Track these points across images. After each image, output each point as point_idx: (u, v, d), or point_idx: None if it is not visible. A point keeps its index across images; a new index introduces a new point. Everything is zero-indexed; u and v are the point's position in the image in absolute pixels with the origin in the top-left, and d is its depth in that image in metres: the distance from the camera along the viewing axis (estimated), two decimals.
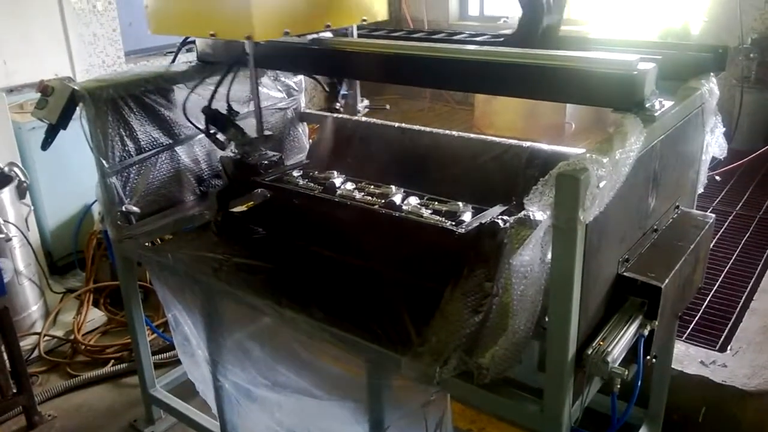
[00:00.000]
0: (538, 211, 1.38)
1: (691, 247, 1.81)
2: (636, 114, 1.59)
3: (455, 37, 2.31)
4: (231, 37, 2.13)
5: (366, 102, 2.72)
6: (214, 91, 2.49)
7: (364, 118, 2.87)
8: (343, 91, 2.42)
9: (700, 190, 2.18)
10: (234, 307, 2.29)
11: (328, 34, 2.31)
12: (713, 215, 2.01)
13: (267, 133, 2.51)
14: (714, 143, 2.09)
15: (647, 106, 1.63)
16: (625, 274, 1.66)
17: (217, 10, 2.03)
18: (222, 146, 2.52)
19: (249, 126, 2.92)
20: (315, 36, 2.24)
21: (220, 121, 2.50)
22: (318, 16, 2.07)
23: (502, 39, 2.08)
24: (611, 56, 1.74)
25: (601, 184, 1.35)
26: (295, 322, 1.98)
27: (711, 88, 1.92)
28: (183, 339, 2.53)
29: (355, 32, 2.35)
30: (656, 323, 1.63)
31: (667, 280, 1.63)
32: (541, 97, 2.02)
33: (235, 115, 2.52)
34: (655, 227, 1.84)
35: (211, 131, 2.50)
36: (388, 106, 2.63)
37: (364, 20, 2.20)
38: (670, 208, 1.94)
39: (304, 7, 2.01)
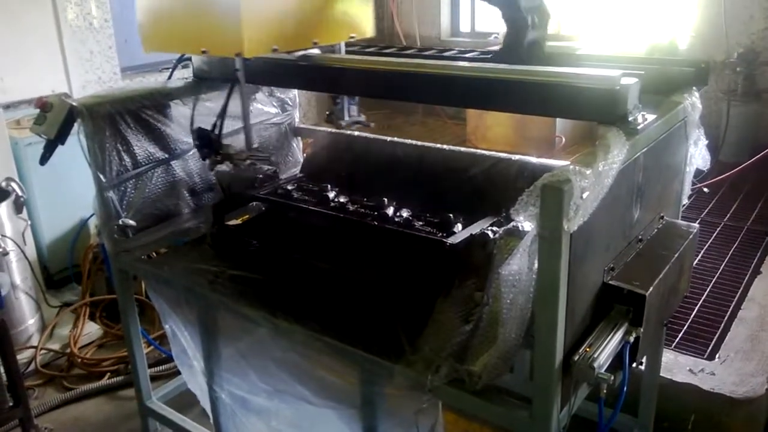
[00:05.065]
0: (525, 221, 1.43)
1: (676, 256, 1.85)
2: (619, 127, 1.63)
3: (445, 54, 2.37)
4: (222, 54, 2.22)
5: None
6: (193, 110, 2.55)
7: (357, 133, 2.91)
8: None
9: (685, 201, 2.23)
10: (230, 318, 2.31)
11: (317, 51, 2.35)
12: (697, 225, 2.06)
13: (255, 145, 2.52)
14: (698, 155, 2.14)
15: (630, 119, 1.67)
16: (610, 282, 1.70)
17: (209, 28, 2.08)
18: (212, 165, 2.54)
19: (242, 141, 2.97)
20: (304, 52, 2.28)
21: (207, 140, 2.51)
22: (306, 33, 2.11)
23: (490, 55, 2.13)
24: (595, 71, 1.79)
25: (585, 195, 1.39)
26: (289, 332, 2.02)
27: (694, 102, 1.98)
28: (180, 351, 2.56)
29: (343, 49, 2.39)
30: (641, 330, 1.67)
31: (651, 289, 1.66)
32: (528, 111, 2.07)
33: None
34: (640, 237, 1.88)
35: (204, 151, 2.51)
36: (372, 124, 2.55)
37: (352, 37, 2.25)
38: (655, 218, 1.99)
39: (293, 24, 2.05)
